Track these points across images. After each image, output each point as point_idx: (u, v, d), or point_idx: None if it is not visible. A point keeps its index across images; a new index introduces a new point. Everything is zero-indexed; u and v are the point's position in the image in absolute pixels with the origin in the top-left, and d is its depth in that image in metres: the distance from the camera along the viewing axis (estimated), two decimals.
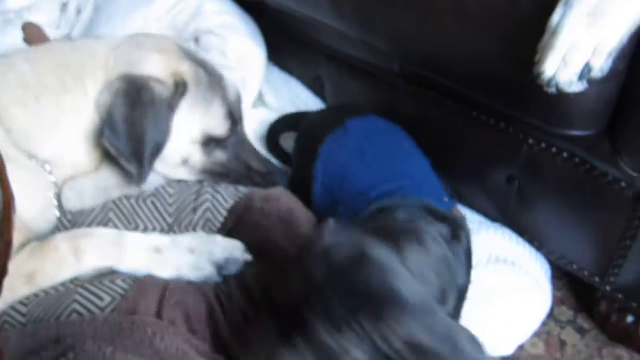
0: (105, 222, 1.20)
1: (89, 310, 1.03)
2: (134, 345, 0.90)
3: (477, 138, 1.27)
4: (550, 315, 1.33)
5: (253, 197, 1.24)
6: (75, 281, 1.09)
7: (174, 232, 1.20)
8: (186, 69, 1.18)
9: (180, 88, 1.15)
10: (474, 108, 1.24)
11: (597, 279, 1.21)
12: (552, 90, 0.92)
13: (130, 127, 1.10)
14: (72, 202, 1.21)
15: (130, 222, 1.21)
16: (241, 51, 1.67)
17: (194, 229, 1.21)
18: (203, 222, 1.21)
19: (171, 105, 1.14)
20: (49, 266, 1.08)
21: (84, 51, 1.17)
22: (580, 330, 1.33)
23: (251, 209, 1.22)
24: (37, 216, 1.14)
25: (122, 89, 1.11)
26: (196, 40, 1.71)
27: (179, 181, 1.28)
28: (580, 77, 0.91)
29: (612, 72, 0.94)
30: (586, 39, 0.88)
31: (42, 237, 1.13)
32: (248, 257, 1.14)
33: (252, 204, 1.23)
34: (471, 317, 1.16)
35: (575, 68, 0.90)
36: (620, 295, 1.20)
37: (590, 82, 0.92)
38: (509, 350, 1.24)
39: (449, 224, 1.01)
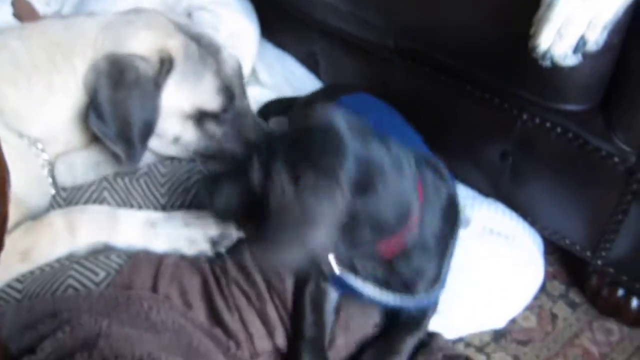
0: (100, 201, 1.19)
1: (84, 285, 1.03)
2: (130, 318, 0.90)
3: (471, 114, 1.27)
4: (543, 289, 1.35)
5: None
6: (70, 258, 1.09)
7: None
8: (175, 44, 1.16)
9: (166, 65, 1.13)
10: (468, 83, 1.24)
11: (589, 253, 1.22)
12: (547, 63, 0.92)
13: (114, 108, 1.09)
14: (64, 176, 1.20)
15: (125, 203, 1.21)
16: (234, 27, 1.65)
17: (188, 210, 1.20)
18: (197, 202, 1.21)
19: (157, 83, 1.12)
20: (44, 242, 1.09)
21: (74, 30, 1.16)
22: (572, 305, 1.34)
23: None
24: (30, 193, 1.14)
25: (105, 70, 1.10)
26: (188, 16, 1.69)
27: (172, 160, 1.27)
28: (575, 50, 0.91)
29: (607, 46, 0.94)
30: (581, 12, 0.88)
31: (37, 216, 1.13)
32: (242, 234, 1.14)
33: None
34: (464, 289, 1.19)
35: (571, 41, 0.89)
36: (611, 270, 1.21)
37: (585, 55, 0.92)
38: (502, 323, 1.26)
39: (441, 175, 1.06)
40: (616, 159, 1.09)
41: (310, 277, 1.07)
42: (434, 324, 1.18)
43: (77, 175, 1.22)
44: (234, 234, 1.14)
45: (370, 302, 1.06)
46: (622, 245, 1.17)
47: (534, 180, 1.23)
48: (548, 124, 1.14)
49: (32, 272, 1.07)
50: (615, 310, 1.29)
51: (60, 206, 1.19)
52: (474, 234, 1.22)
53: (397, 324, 1.09)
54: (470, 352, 1.21)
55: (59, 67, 1.12)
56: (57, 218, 1.11)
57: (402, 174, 0.93)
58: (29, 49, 1.13)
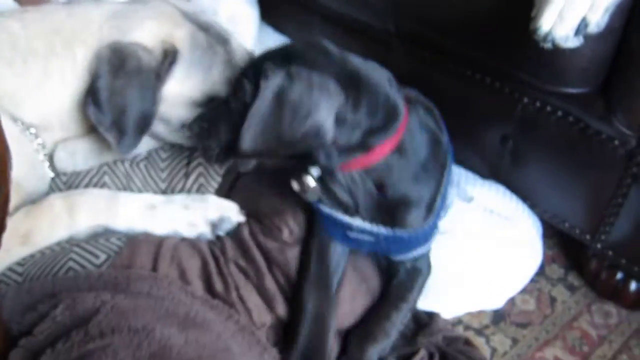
0: (100, 186, 1.19)
1: (84, 268, 1.04)
2: (129, 296, 0.91)
3: (471, 97, 1.27)
4: (542, 273, 1.36)
5: None
6: (70, 241, 1.09)
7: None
8: (181, 35, 1.15)
9: (169, 56, 1.12)
10: (469, 67, 1.23)
11: (588, 236, 1.22)
12: (548, 45, 0.92)
13: (112, 96, 1.08)
14: (65, 163, 1.20)
15: (126, 187, 1.21)
16: (233, 10, 1.64)
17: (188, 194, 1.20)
18: (197, 187, 1.21)
19: (159, 75, 1.11)
20: (44, 225, 1.09)
21: (79, 17, 1.14)
22: (571, 288, 1.35)
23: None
24: (27, 177, 1.14)
25: (106, 58, 1.09)
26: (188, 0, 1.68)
27: (172, 145, 1.27)
28: (577, 32, 0.90)
29: (608, 29, 0.94)
30: None
31: (36, 201, 1.13)
32: (242, 218, 1.14)
33: None
34: (462, 268, 1.19)
35: (572, 23, 0.89)
36: (610, 253, 1.22)
37: (587, 38, 0.92)
38: (499, 304, 1.27)
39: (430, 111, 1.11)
40: (616, 142, 1.09)
41: (315, 233, 1.11)
42: (433, 304, 1.19)
43: (78, 162, 1.22)
44: (234, 217, 1.14)
45: (367, 247, 1.09)
46: (621, 229, 1.17)
47: (534, 163, 1.23)
48: (548, 108, 1.14)
49: (32, 256, 1.07)
50: (613, 293, 1.29)
51: (60, 190, 1.19)
52: (474, 213, 1.23)
53: (389, 291, 1.11)
54: (470, 334, 1.22)
55: (57, 53, 1.11)
56: (57, 201, 1.11)
57: (385, 79, 1.00)
58: (28, 32, 1.11)
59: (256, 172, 1.20)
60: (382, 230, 1.05)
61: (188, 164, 1.24)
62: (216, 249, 1.10)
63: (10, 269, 1.05)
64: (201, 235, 1.12)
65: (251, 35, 1.69)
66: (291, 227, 1.11)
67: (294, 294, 1.08)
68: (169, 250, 1.06)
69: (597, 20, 0.90)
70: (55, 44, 1.11)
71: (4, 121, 1.07)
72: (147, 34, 1.12)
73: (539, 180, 1.26)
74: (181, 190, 1.21)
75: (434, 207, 1.07)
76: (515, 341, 1.23)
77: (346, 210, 1.05)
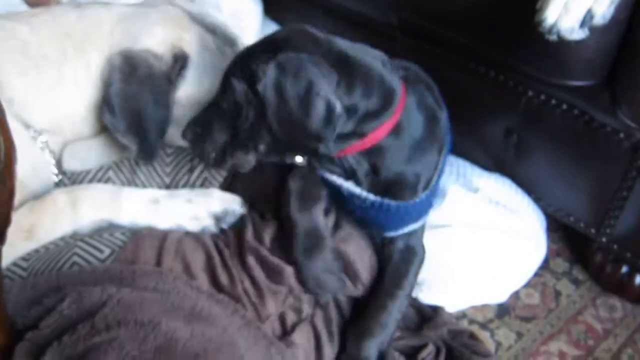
0: (105, 181, 1.20)
1: (89, 262, 1.04)
2: (137, 290, 0.91)
3: (475, 91, 1.27)
4: (546, 267, 1.35)
5: None
6: (75, 236, 1.09)
7: None
8: (190, 39, 1.16)
9: (179, 61, 1.14)
10: (472, 60, 1.23)
11: (593, 230, 1.22)
12: (554, 38, 0.92)
13: (125, 103, 1.10)
14: (72, 164, 1.21)
15: (130, 182, 1.21)
16: (236, 5, 1.64)
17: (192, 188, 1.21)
18: (201, 182, 1.21)
19: (170, 79, 1.13)
20: (48, 219, 1.09)
21: (89, 21, 1.14)
22: (575, 282, 1.35)
23: None
24: (32, 177, 1.14)
25: (118, 66, 1.10)
26: None
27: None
28: (582, 24, 0.90)
29: (613, 21, 0.93)
30: None
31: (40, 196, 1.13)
32: (246, 210, 1.14)
33: None
34: (467, 260, 1.19)
35: (577, 15, 0.89)
36: (615, 246, 1.21)
37: (592, 30, 0.92)
38: (503, 298, 1.27)
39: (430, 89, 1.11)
40: (621, 135, 1.09)
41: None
42: (437, 297, 1.19)
43: (85, 163, 1.22)
44: (238, 209, 1.14)
45: (357, 209, 1.08)
46: (626, 222, 1.17)
47: (539, 156, 1.22)
48: (553, 101, 1.14)
49: (37, 251, 1.07)
50: (618, 287, 1.29)
51: (65, 185, 1.19)
52: (479, 205, 1.22)
53: (383, 278, 1.10)
54: (474, 328, 1.22)
55: (70, 59, 1.11)
56: (60, 196, 1.11)
57: (378, 61, 1.00)
58: (39, 37, 1.11)
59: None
60: (370, 197, 1.05)
61: (193, 158, 1.24)
62: (220, 242, 1.10)
63: (14, 264, 1.05)
64: (205, 229, 1.12)
65: (254, 30, 1.69)
66: None
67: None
68: (173, 244, 1.06)
69: (603, 11, 0.90)
70: (67, 49, 1.11)
71: (10, 122, 1.09)
72: (157, 39, 1.13)
73: (543, 174, 1.26)
74: (185, 185, 1.22)
75: (429, 183, 1.07)
76: (519, 335, 1.23)
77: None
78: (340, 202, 1.12)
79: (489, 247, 1.20)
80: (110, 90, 1.10)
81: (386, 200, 1.05)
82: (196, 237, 1.09)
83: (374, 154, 1.01)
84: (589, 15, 0.89)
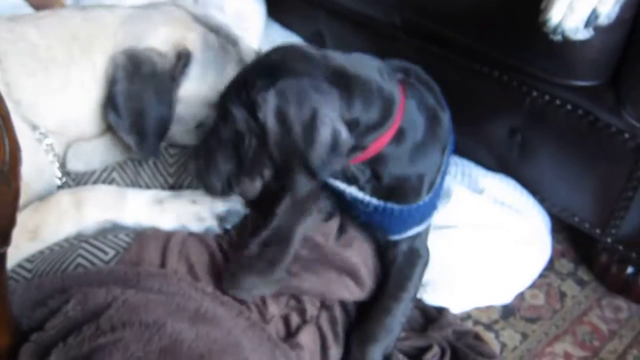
0: (109, 182, 1.20)
1: (93, 264, 1.04)
2: (141, 291, 0.91)
3: (479, 91, 1.26)
4: (551, 268, 1.35)
5: None
6: (79, 237, 1.09)
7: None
8: (193, 38, 1.17)
9: (183, 59, 1.15)
10: (476, 61, 1.23)
11: (598, 230, 1.22)
12: (558, 38, 0.91)
13: (129, 101, 1.10)
14: (76, 165, 1.21)
15: (134, 183, 1.21)
16: (240, 6, 1.65)
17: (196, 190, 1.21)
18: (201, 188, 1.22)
19: (174, 77, 1.14)
20: (52, 220, 1.09)
21: (94, 22, 1.16)
22: (581, 282, 1.34)
23: None
24: (36, 178, 1.14)
25: (122, 64, 1.11)
26: None
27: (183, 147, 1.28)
28: (587, 24, 0.90)
29: (618, 21, 0.93)
30: None
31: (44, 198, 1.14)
32: (249, 210, 1.14)
33: None
34: (471, 261, 1.19)
35: (582, 14, 0.89)
36: (620, 247, 1.21)
37: (596, 30, 0.91)
38: (508, 299, 1.26)
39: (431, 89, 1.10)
40: (626, 135, 1.08)
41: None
42: (441, 299, 1.19)
43: (89, 163, 1.22)
44: (241, 209, 1.14)
45: (362, 214, 1.08)
46: (632, 222, 1.16)
47: (543, 157, 1.22)
48: (558, 101, 1.14)
49: (41, 252, 1.07)
50: (624, 288, 1.29)
51: (69, 186, 1.20)
52: (484, 206, 1.22)
53: (387, 280, 1.09)
54: (479, 329, 1.22)
55: (77, 61, 1.12)
56: (65, 197, 1.12)
57: (374, 70, 0.97)
58: (47, 40, 1.12)
59: None
60: (374, 201, 1.05)
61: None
62: (224, 243, 1.10)
63: (19, 265, 1.05)
64: (209, 229, 1.12)
65: (258, 31, 1.70)
66: None
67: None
68: (177, 246, 1.06)
69: (608, 11, 0.89)
70: (74, 51, 1.12)
71: (15, 123, 1.09)
72: (159, 38, 1.14)
73: (547, 174, 1.25)
74: (189, 186, 1.22)
75: (433, 185, 1.06)
76: (525, 336, 1.23)
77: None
78: (344, 206, 1.12)
79: (494, 248, 1.20)
80: (114, 89, 1.10)
81: (389, 204, 1.05)
82: (200, 239, 1.10)
83: (376, 162, 1.00)
84: (593, 15, 0.89)
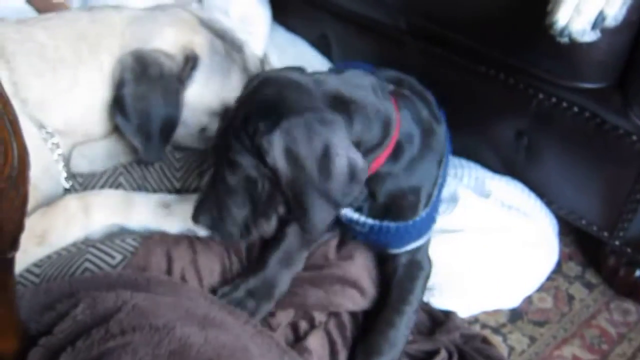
0: (116, 186, 1.21)
1: (100, 268, 1.04)
2: (150, 296, 0.91)
3: (486, 94, 1.26)
4: (559, 271, 1.34)
5: None
6: (86, 241, 1.10)
7: None
8: (200, 41, 1.17)
9: (190, 62, 1.15)
10: (482, 64, 1.22)
11: (606, 233, 1.21)
12: (565, 40, 0.91)
13: (136, 103, 1.11)
14: (82, 166, 1.21)
15: (141, 187, 1.22)
16: (245, 10, 1.65)
17: None
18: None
19: (181, 80, 1.15)
20: (60, 225, 1.09)
21: (101, 23, 1.16)
22: (589, 285, 1.34)
23: None
24: (43, 179, 1.14)
25: (130, 66, 1.11)
26: (199, 1, 1.68)
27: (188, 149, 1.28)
28: (594, 26, 0.90)
29: (625, 23, 0.93)
30: None
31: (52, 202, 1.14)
32: None
33: None
34: (479, 265, 1.18)
35: (589, 17, 0.88)
36: (629, 250, 1.20)
37: (603, 32, 0.91)
38: (515, 303, 1.26)
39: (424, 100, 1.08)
40: (634, 138, 1.08)
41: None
42: (448, 302, 1.18)
43: (94, 164, 1.23)
44: None
45: (360, 235, 1.08)
46: (639, 225, 1.16)
47: (550, 159, 1.22)
48: (564, 103, 1.13)
49: (49, 257, 1.08)
50: (632, 291, 1.28)
51: (76, 191, 1.20)
52: (491, 209, 1.22)
53: (389, 294, 1.08)
54: (487, 333, 1.21)
55: (85, 61, 1.13)
56: (72, 201, 1.12)
57: (369, 88, 0.95)
58: (55, 40, 1.13)
59: None
60: (369, 221, 1.04)
61: (202, 163, 1.25)
62: (230, 248, 1.10)
63: (27, 270, 1.05)
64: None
65: (263, 35, 1.70)
66: None
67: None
68: (185, 251, 1.07)
69: (615, 13, 0.89)
70: (82, 51, 1.13)
71: (22, 122, 1.09)
72: (167, 40, 1.15)
73: (555, 177, 1.25)
74: (196, 190, 1.22)
75: (429, 199, 1.06)
76: (533, 339, 1.22)
77: None
78: (340, 228, 1.11)
79: (501, 251, 1.20)
80: (122, 91, 1.11)
81: (385, 223, 1.04)
82: (207, 244, 1.10)
83: (372, 180, 0.98)
84: (600, 17, 0.89)
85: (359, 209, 1.05)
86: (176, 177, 1.24)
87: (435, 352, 1.07)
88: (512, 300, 1.25)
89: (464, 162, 1.32)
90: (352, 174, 0.87)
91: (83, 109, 1.15)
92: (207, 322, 0.86)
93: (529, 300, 1.28)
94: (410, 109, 1.02)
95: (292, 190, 0.88)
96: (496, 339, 1.21)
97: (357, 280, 1.10)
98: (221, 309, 0.96)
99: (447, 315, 1.17)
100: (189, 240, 1.09)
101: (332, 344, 1.05)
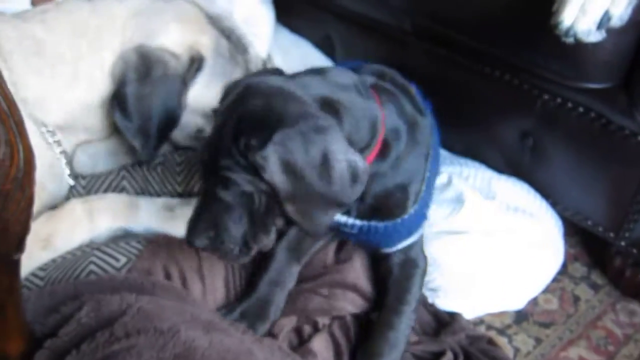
0: (119, 190, 1.21)
1: (105, 271, 1.04)
2: (155, 300, 0.91)
3: (490, 95, 1.26)
4: (564, 272, 1.34)
5: None
6: (91, 245, 1.10)
7: None
8: (206, 41, 1.15)
9: (195, 63, 1.13)
10: (487, 64, 1.22)
11: (612, 234, 1.20)
12: (570, 40, 0.91)
13: (138, 102, 1.09)
14: (85, 167, 1.21)
15: (144, 191, 1.22)
16: (249, 11, 1.64)
17: None
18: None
19: (185, 81, 1.13)
20: (65, 228, 1.09)
21: (102, 15, 1.12)
22: (594, 286, 1.33)
23: None
24: (47, 179, 1.14)
25: (134, 63, 1.08)
26: None
27: (186, 149, 1.27)
28: (599, 26, 0.89)
29: (631, 23, 0.93)
30: None
31: (57, 206, 1.14)
32: None
33: None
34: (485, 266, 1.18)
35: (595, 17, 0.88)
36: (634, 250, 1.20)
37: (608, 32, 0.91)
38: (521, 304, 1.25)
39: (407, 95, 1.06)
40: (639, 138, 1.07)
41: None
42: (454, 304, 1.18)
43: (97, 164, 1.22)
44: None
45: (351, 236, 1.08)
46: None
47: (556, 160, 1.21)
48: (569, 104, 1.13)
49: (54, 260, 1.08)
50: (638, 292, 1.28)
51: (80, 195, 1.20)
52: (496, 212, 1.21)
53: (386, 294, 1.08)
54: (492, 334, 1.21)
55: (84, 57, 1.10)
56: (77, 205, 1.12)
57: (352, 87, 0.93)
58: (54, 36, 1.10)
59: None
60: (357, 222, 1.03)
61: None
62: None
63: (32, 273, 1.06)
64: None
65: (267, 36, 1.69)
66: None
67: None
68: (189, 254, 1.07)
69: (620, 13, 0.89)
70: (81, 47, 1.10)
71: (30, 126, 1.09)
72: (173, 38, 1.12)
73: (560, 178, 1.24)
74: (198, 193, 1.22)
75: (418, 196, 1.04)
76: (538, 341, 1.22)
77: None
78: (331, 229, 1.09)
79: (507, 252, 1.19)
80: (124, 89, 1.08)
81: (374, 223, 1.03)
82: None
83: None
84: (606, 17, 0.89)
85: (347, 212, 1.03)
86: (177, 181, 1.24)
87: (442, 353, 1.07)
88: (517, 301, 1.25)
89: (470, 162, 1.31)
90: (354, 176, 0.86)
91: (83, 105, 1.13)
92: (212, 327, 0.86)
93: (534, 301, 1.27)
94: (394, 103, 1.00)
95: (293, 201, 0.86)
96: (502, 340, 1.21)
97: (357, 283, 1.10)
98: (222, 319, 0.96)
99: (453, 316, 1.16)
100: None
101: (336, 346, 1.05)
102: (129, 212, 1.12)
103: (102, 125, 1.17)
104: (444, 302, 1.20)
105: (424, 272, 1.10)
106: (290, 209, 0.87)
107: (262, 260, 1.09)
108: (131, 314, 0.82)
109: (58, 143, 1.14)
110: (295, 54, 1.73)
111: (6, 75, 1.04)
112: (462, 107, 1.30)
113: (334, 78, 0.93)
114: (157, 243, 1.09)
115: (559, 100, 1.14)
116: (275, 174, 0.83)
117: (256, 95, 0.88)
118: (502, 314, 1.25)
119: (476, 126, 1.30)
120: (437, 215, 1.20)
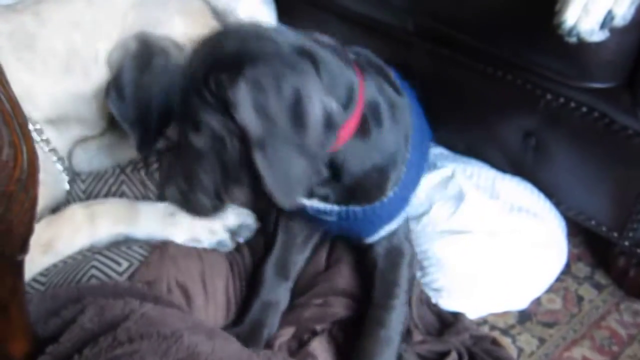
0: (119, 194, 1.21)
1: (107, 275, 1.04)
2: (158, 306, 0.91)
3: (493, 94, 1.25)
4: (568, 272, 1.33)
5: None
6: (92, 249, 1.10)
7: None
8: None
9: None
10: (490, 64, 1.22)
11: (615, 234, 1.20)
12: (573, 40, 0.91)
13: (138, 92, 1.05)
14: (80, 162, 1.20)
15: (144, 196, 1.21)
16: (250, 12, 1.64)
17: None
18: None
19: (185, 75, 1.11)
20: (66, 233, 1.09)
21: (100, 7, 1.08)
22: (598, 286, 1.33)
23: None
24: (46, 179, 1.13)
25: (135, 51, 1.04)
26: None
27: None
28: (602, 26, 0.89)
29: (634, 22, 0.92)
30: None
31: (57, 211, 1.14)
32: (260, 225, 1.14)
33: None
34: (488, 266, 1.18)
35: (598, 16, 0.88)
36: (638, 250, 1.19)
37: (612, 32, 0.91)
38: (524, 304, 1.25)
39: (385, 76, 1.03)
40: None
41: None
42: (457, 304, 1.18)
43: (94, 162, 1.22)
44: (253, 223, 1.14)
45: (332, 226, 1.06)
46: None
47: (559, 160, 1.21)
48: (573, 103, 1.12)
49: (55, 265, 1.08)
50: None
51: (80, 199, 1.20)
52: (500, 211, 1.21)
53: (373, 289, 1.05)
54: (496, 334, 1.21)
55: (77, 51, 1.07)
56: (78, 210, 1.12)
57: (328, 49, 0.89)
58: (46, 29, 1.06)
59: None
60: (335, 208, 1.00)
61: None
62: (235, 265, 1.12)
63: (33, 279, 1.05)
64: (220, 243, 1.12)
65: None
66: None
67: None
68: (194, 265, 1.07)
69: (623, 13, 0.88)
70: (75, 40, 1.06)
71: None
72: (177, 29, 1.09)
73: (564, 177, 1.24)
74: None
75: (397, 178, 1.00)
76: (542, 341, 1.21)
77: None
78: (310, 220, 1.07)
79: (510, 252, 1.19)
80: (122, 78, 1.04)
81: (352, 208, 1.00)
82: (215, 259, 1.10)
83: (338, 157, 0.92)
84: (609, 17, 0.88)
85: (325, 198, 0.99)
86: None
87: (446, 353, 1.07)
88: (521, 301, 1.24)
89: (473, 161, 1.31)
90: (328, 121, 0.81)
91: (75, 95, 1.09)
92: (214, 334, 0.86)
93: (538, 301, 1.27)
94: (374, 79, 0.96)
95: (264, 147, 0.80)
96: (505, 341, 1.20)
97: (346, 288, 1.10)
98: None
99: (456, 316, 1.16)
100: (197, 253, 1.10)
101: (337, 347, 1.05)
102: (130, 217, 1.12)
103: (96, 117, 1.14)
104: (448, 302, 1.19)
105: (411, 261, 1.07)
106: (259, 157, 0.80)
107: (252, 286, 1.10)
108: (134, 319, 0.82)
109: (47, 142, 1.12)
110: None
111: None
112: (464, 106, 1.30)
113: (314, 36, 0.90)
114: (159, 252, 1.08)
115: (562, 99, 1.14)
116: (246, 111, 0.78)
117: (230, 37, 0.85)
118: (505, 314, 1.25)
119: (479, 126, 1.30)
120: (440, 213, 1.20)
